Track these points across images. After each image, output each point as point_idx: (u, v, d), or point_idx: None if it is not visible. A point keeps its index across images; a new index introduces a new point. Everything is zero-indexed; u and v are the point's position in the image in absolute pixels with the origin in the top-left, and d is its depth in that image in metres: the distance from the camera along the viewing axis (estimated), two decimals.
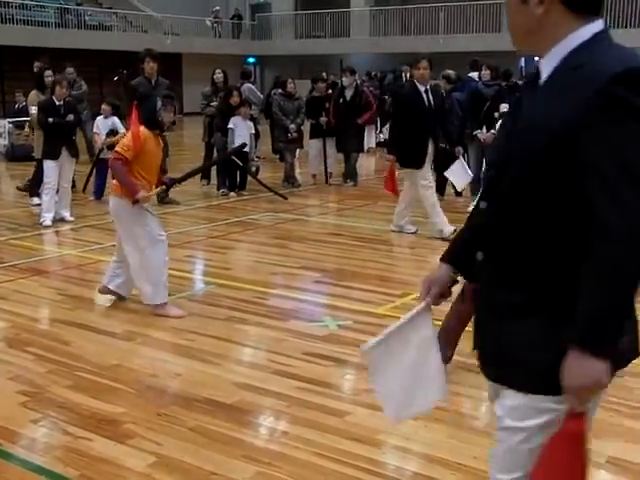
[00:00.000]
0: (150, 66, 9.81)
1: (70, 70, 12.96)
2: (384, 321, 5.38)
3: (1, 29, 23.66)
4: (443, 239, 7.92)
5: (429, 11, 29.05)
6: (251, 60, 33.99)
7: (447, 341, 2.55)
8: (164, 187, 5.91)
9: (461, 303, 2.35)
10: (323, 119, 11.55)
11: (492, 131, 9.31)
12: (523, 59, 26.12)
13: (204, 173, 11.35)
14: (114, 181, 5.53)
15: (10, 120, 15.17)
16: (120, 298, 5.74)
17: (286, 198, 10.54)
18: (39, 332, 5.15)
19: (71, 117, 8.70)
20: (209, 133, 11.28)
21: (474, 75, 11.68)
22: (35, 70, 11.43)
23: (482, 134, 9.41)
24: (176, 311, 5.51)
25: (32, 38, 23.52)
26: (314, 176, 12.14)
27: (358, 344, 4.88)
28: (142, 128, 5.31)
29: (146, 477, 3.32)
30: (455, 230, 7.88)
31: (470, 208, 9.57)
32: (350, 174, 11.96)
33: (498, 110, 9.41)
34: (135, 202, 5.27)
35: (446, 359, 2.29)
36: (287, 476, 3.31)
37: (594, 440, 2.04)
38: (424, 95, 7.91)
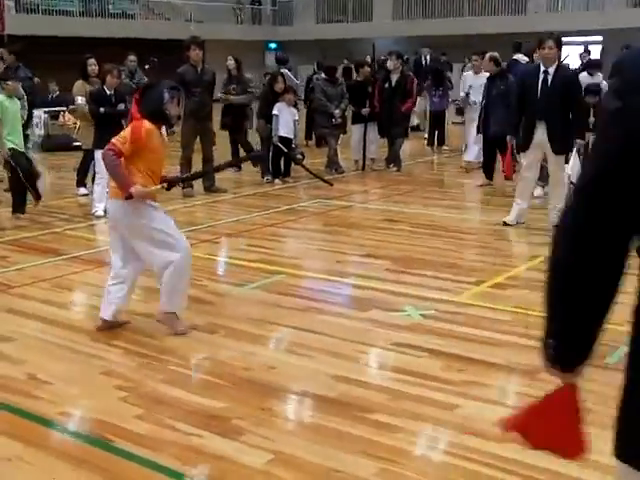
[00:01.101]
0: (196, 53, 9.73)
1: (132, 58, 12.80)
2: (468, 310, 5.29)
3: (26, 19, 23.60)
4: (506, 223, 7.83)
5: None
6: (273, 46, 33.80)
7: None
8: (165, 185, 4.92)
9: None
10: (365, 110, 11.40)
11: None
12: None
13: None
14: (112, 183, 4.79)
15: (46, 110, 15.11)
16: (124, 322, 5.05)
17: (332, 184, 10.43)
18: (120, 325, 5.07)
19: (122, 106, 8.59)
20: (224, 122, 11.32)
21: (519, 57, 11.51)
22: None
23: None
24: (182, 327, 4.87)
25: (56, 27, 23.46)
26: (356, 162, 12.02)
27: (447, 334, 4.82)
28: (145, 122, 4.66)
29: (266, 474, 3.24)
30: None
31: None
32: (394, 159, 11.82)
33: None
34: (129, 197, 4.60)
35: None
36: (414, 473, 3.22)
37: None
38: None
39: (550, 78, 7.44)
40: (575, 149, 7.63)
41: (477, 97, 10.81)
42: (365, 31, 30.56)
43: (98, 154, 8.55)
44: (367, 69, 11.84)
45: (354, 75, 12.65)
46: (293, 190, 10.42)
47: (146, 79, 12.49)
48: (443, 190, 10.61)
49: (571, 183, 8.79)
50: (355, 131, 11.79)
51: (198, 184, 9.67)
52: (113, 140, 4.63)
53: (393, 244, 7.27)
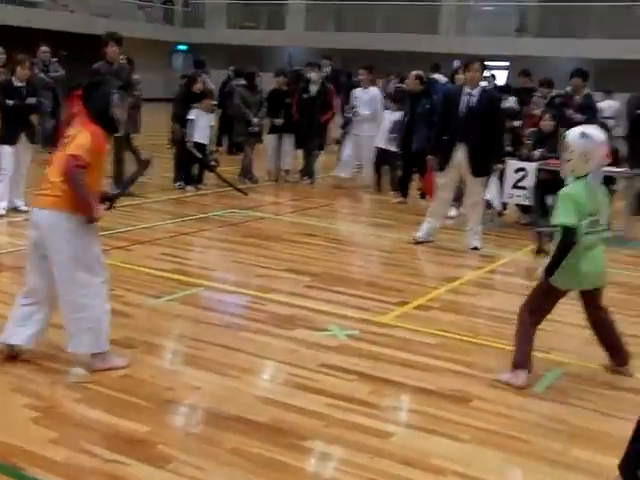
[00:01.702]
0: (113, 50, 9.35)
1: (45, 49, 12.16)
2: (393, 331, 5.22)
3: None
4: (417, 242, 7.85)
5: (367, 8, 28.99)
6: (182, 48, 33.24)
7: None
8: (109, 204, 4.38)
9: None
10: (279, 120, 11.27)
11: None
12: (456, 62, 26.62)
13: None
14: (47, 190, 4.14)
15: None
16: (13, 355, 4.33)
17: (246, 194, 10.22)
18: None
19: (32, 100, 8.16)
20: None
21: (438, 77, 11.64)
22: None
23: None
24: (120, 361, 4.34)
25: None
26: (270, 172, 11.86)
27: (375, 356, 4.73)
28: (98, 127, 4.16)
29: None
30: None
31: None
32: (309, 172, 11.71)
33: None
34: (92, 221, 4.14)
35: None
36: None
37: None
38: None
39: (475, 100, 7.51)
40: (495, 173, 7.72)
41: (364, 111, 10.93)
42: (277, 39, 30.52)
43: (4, 149, 8.11)
44: (281, 79, 11.69)
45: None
46: (205, 198, 10.15)
47: (62, 72, 11.97)
48: (356, 205, 10.59)
49: (488, 207, 8.97)
50: (270, 141, 11.64)
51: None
52: (76, 152, 4.01)
53: (311, 259, 7.15)
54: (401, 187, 10.43)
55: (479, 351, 4.93)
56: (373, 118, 11.11)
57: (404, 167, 10.34)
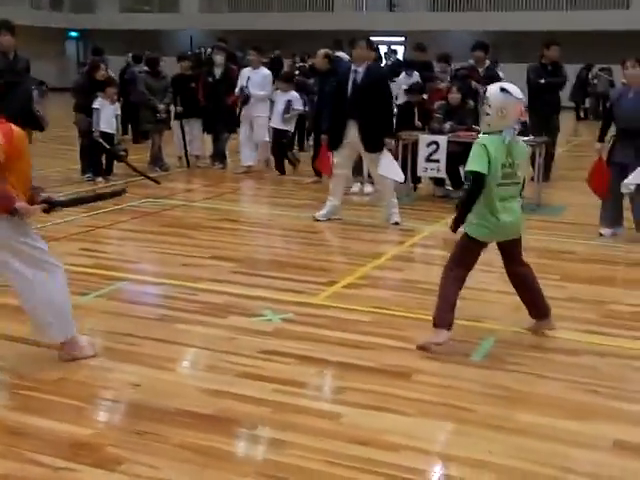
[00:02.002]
0: (7, 39, 8.89)
1: None
2: (327, 312, 5.23)
3: None
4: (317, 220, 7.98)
5: None
6: (73, 34, 32.22)
7: None
8: (45, 207, 4.23)
9: None
10: (179, 108, 11.09)
11: None
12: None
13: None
14: None
15: None
16: None
17: (159, 183, 10.01)
18: None
19: None
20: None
21: (342, 54, 11.65)
22: None
23: None
24: (91, 350, 4.39)
25: None
26: (180, 158, 11.66)
27: (311, 338, 4.74)
28: (13, 126, 3.97)
29: None
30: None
31: (354, 189, 9.40)
32: (219, 156, 11.57)
33: None
34: (13, 212, 3.98)
35: None
36: None
37: None
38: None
39: (360, 77, 7.60)
40: (386, 148, 7.78)
41: (256, 92, 10.79)
42: (172, 22, 29.95)
43: None
44: (185, 63, 11.48)
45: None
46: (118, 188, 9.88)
47: None
48: (271, 187, 10.53)
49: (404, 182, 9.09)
50: (176, 127, 11.42)
51: None
52: None
53: (234, 244, 7.09)
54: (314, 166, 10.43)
55: (412, 325, 5.00)
56: (265, 99, 11.02)
57: (315, 146, 10.34)
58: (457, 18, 26.03)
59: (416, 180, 9.70)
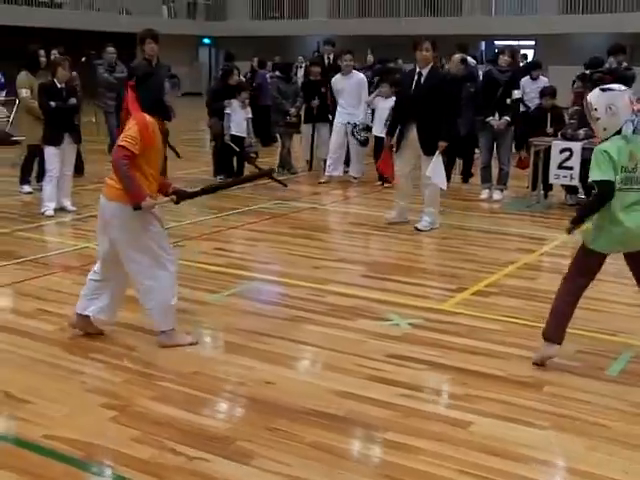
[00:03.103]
0: (151, 47, 9.27)
1: (111, 50, 12.15)
2: (455, 318, 5.18)
3: None
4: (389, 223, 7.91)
5: None
6: (206, 41, 33.28)
7: None
8: (174, 199, 4.56)
9: None
10: (315, 102, 11.18)
11: (505, 117, 9.15)
12: (484, 43, 26.34)
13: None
14: (111, 181, 4.38)
15: None
16: (98, 332, 4.70)
17: (286, 185, 10.10)
18: (96, 336, 4.74)
19: (73, 101, 8.20)
20: None
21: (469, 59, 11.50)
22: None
23: (495, 121, 9.22)
24: (186, 338, 4.64)
25: None
26: (307, 162, 11.83)
27: (440, 344, 4.69)
28: (147, 116, 4.30)
29: None
30: None
31: (483, 196, 9.44)
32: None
33: (510, 96, 9.27)
34: (138, 208, 4.25)
35: None
36: None
37: None
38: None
39: (423, 79, 7.57)
40: (438, 151, 7.60)
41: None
42: (300, 29, 30.40)
43: (50, 150, 8.16)
44: (317, 68, 11.61)
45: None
46: (247, 190, 10.13)
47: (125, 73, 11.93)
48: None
49: (533, 189, 8.89)
50: (305, 131, 11.59)
51: None
52: (123, 143, 4.20)
53: (362, 248, 7.20)
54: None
55: None
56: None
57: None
58: (589, 21, 25.12)
59: (547, 187, 9.44)
